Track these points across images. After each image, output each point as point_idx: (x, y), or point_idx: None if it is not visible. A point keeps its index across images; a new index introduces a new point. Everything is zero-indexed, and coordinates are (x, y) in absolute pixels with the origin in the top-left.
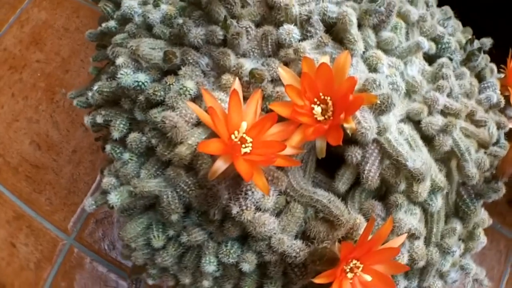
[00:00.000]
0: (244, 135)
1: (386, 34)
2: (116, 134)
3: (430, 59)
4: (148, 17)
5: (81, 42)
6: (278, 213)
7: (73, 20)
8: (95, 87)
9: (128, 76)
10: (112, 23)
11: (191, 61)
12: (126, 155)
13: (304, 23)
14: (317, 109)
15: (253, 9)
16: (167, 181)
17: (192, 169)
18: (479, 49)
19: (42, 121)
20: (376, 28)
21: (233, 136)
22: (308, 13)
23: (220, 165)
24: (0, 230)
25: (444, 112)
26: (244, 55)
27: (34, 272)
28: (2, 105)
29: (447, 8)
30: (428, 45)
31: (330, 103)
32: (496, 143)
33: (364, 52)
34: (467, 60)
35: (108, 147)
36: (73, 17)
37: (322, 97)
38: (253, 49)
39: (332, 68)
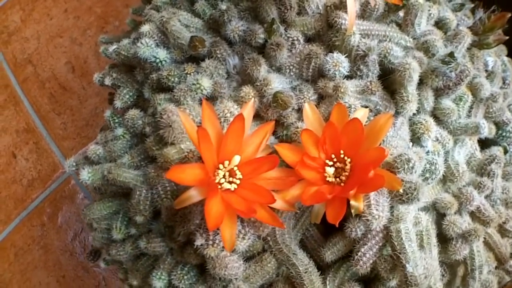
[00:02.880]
0: (236, 168)
1: (447, 103)
2: (118, 103)
3: (484, 141)
4: None
5: None
6: (249, 258)
7: None
8: (114, 46)
9: (148, 48)
10: None
11: (219, 55)
12: (120, 130)
13: (358, 59)
14: (329, 170)
15: (309, 20)
16: (146, 178)
17: None
18: None
19: (85, 46)
20: (439, 92)
21: (221, 167)
22: (366, 50)
23: (192, 196)
24: (6, 137)
25: (474, 215)
26: (279, 69)
27: (24, 189)
28: (51, 17)
29: None
30: (487, 131)
31: (348, 166)
32: None
33: (414, 114)
34: None
35: (107, 113)
36: None
37: (342, 156)
38: (292, 67)
39: (366, 127)
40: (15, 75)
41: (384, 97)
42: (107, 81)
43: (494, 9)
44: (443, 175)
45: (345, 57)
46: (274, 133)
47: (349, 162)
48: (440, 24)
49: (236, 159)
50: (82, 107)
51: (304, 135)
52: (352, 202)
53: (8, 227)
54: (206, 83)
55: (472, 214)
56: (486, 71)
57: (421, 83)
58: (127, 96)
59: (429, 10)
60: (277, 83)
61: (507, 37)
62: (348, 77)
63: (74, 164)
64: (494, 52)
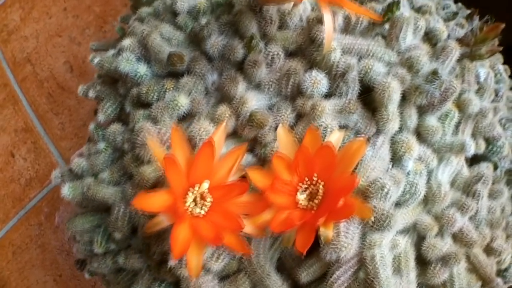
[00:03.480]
0: (206, 192)
1: (431, 121)
2: (101, 117)
3: (474, 156)
4: (176, 3)
5: None
6: (224, 277)
7: None
8: (96, 59)
9: (129, 63)
10: None
11: (198, 71)
12: (102, 144)
13: (338, 76)
14: (301, 195)
15: (290, 34)
16: (124, 195)
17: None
18: None
19: (84, 45)
20: (423, 109)
21: (191, 190)
22: (346, 67)
23: (162, 221)
24: (4, 136)
25: (456, 236)
26: (258, 86)
27: (22, 188)
28: (51, 15)
29: None
30: (473, 150)
31: (321, 190)
32: (505, 270)
33: (396, 132)
34: None
35: (91, 126)
36: None
37: (316, 179)
38: (271, 83)
39: (339, 152)
40: (14, 74)
41: (364, 115)
42: (91, 94)
43: (487, 19)
44: (424, 196)
45: (326, 74)
46: (252, 151)
47: (323, 186)
48: (430, 35)
49: (205, 184)
50: (79, 107)
51: (276, 160)
52: (321, 230)
53: (6, 226)
54: (183, 101)
55: (454, 236)
56: (478, 83)
57: (404, 99)
58: (110, 110)
59: (416, 23)
60: (255, 101)
61: (501, 48)
62: (328, 94)
63: (60, 176)
64: (489, 61)
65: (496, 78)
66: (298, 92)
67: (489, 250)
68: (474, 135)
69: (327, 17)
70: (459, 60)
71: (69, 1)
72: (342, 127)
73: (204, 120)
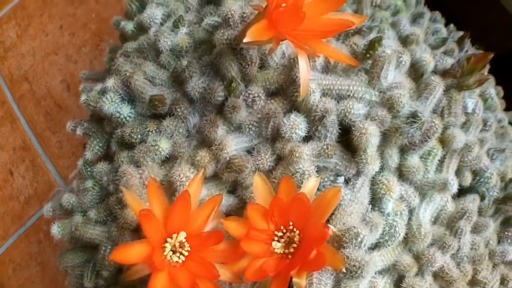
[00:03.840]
0: (184, 241)
1: (413, 160)
2: (88, 154)
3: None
4: (159, 41)
5: None
6: None
7: None
8: (83, 98)
9: (112, 104)
10: (130, 26)
11: (179, 114)
12: (90, 182)
13: (316, 120)
14: (277, 244)
15: (271, 74)
16: (110, 235)
17: (138, 232)
18: None
19: (80, 63)
20: (404, 148)
21: (169, 240)
22: (324, 111)
23: (141, 270)
24: (2, 154)
25: (437, 274)
26: (239, 128)
27: (21, 206)
28: (47, 33)
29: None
30: (456, 187)
31: (297, 237)
32: None
33: (377, 172)
34: (502, 202)
35: (80, 162)
36: None
37: (291, 227)
38: (252, 125)
39: (314, 200)
40: (12, 92)
41: (344, 157)
42: (79, 131)
43: (476, 49)
44: (405, 235)
45: (305, 116)
46: (233, 192)
47: (298, 234)
48: (416, 66)
49: (182, 235)
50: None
51: (250, 210)
52: (294, 280)
53: (6, 243)
54: (164, 145)
55: (435, 274)
56: (466, 114)
57: (385, 139)
58: (97, 147)
59: (400, 58)
60: (235, 144)
61: (490, 77)
62: (307, 137)
63: (51, 210)
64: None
65: (486, 104)
66: (278, 135)
67: (474, 282)
68: (460, 169)
69: (302, 64)
70: (447, 90)
71: (65, 18)
72: (322, 169)
73: (185, 165)
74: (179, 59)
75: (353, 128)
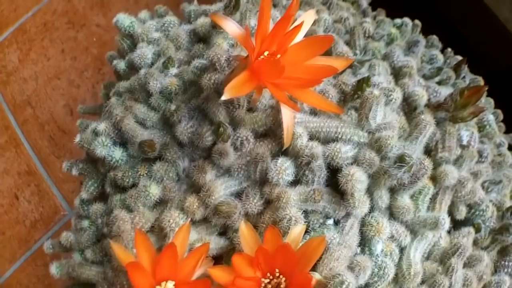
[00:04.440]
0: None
1: (403, 200)
2: (84, 195)
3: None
4: (148, 83)
5: None
6: None
7: None
8: (77, 139)
9: (104, 148)
10: (122, 65)
11: (169, 158)
12: (86, 222)
13: (303, 165)
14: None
15: (260, 117)
16: (106, 276)
17: None
18: None
19: (82, 88)
20: (394, 189)
21: None
22: (310, 157)
23: None
24: (8, 178)
25: None
26: (228, 171)
27: (28, 230)
28: (49, 57)
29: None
30: (447, 226)
31: (284, 284)
32: None
33: (367, 214)
34: (498, 232)
35: (76, 201)
36: None
37: (278, 274)
38: (240, 168)
39: (299, 249)
40: (15, 117)
41: (332, 200)
42: (74, 171)
43: (469, 83)
44: (395, 274)
45: (293, 159)
46: (224, 233)
47: (285, 281)
48: (409, 100)
49: (170, 283)
50: (81, 150)
51: (236, 260)
52: None
53: (13, 266)
54: (154, 190)
55: None
56: (461, 146)
57: (374, 181)
58: (92, 188)
59: (390, 95)
60: (223, 189)
61: (485, 108)
62: (295, 181)
63: (51, 246)
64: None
65: (484, 131)
66: (266, 178)
67: None
68: (454, 203)
69: (285, 112)
70: (440, 123)
71: (66, 42)
72: (311, 212)
73: (174, 210)
74: (169, 102)
75: (338, 174)
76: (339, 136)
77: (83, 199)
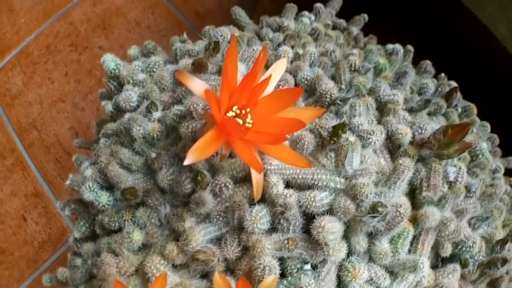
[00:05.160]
0: None
1: (381, 244)
2: (76, 234)
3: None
4: (132, 129)
5: None
6: None
7: (147, 16)
8: (68, 181)
9: (92, 193)
10: (109, 107)
11: (151, 204)
12: (79, 261)
13: (278, 214)
14: None
15: (238, 163)
16: None
17: None
18: (504, 261)
19: (87, 111)
20: (372, 234)
21: None
22: (284, 207)
23: None
24: (15, 200)
25: None
26: (208, 216)
27: (36, 251)
28: (53, 80)
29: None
30: (427, 268)
31: None
32: None
33: (345, 258)
34: (486, 266)
35: (71, 238)
36: (148, 12)
37: None
38: (219, 215)
39: None
40: (21, 139)
41: (309, 246)
42: (67, 211)
43: (461, 112)
44: None
45: (269, 207)
46: (207, 276)
47: None
48: (392, 138)
49: None
50: None
51: None
52: None
53: (22, 285)
54: (136, 237)
55: None
56: (448, 182)
57: (350, 227)
58: (84, 228)
59: (368, 139)
60: (202, 235)
61: (472, 144)
62: (270, 229)
63: (49, 280)
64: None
65: (476, 160)
66: (243, 226)
67: None
68: (438, 242)
69: (253, 173)
70: (423, 159)
71: (70, 65)
72: (288, 257)
73: (156, 256)
74: (152, 147)
75: (310, 226)
76: (315, 183)
77: (76, 237)
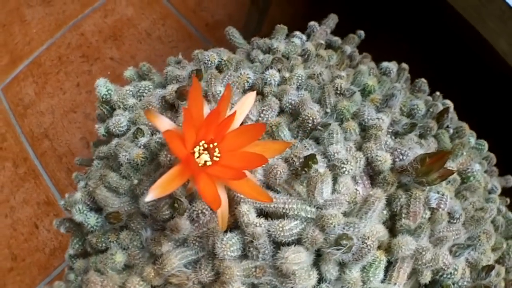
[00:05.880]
0: None
1: (351, 273)
2: (70, 251)
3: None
4: (118, 155)
5: (159, 53)
6: None
7: (157, 26)
8: (61, 201)
9: (81, 215)
10: (102, 131)
11: (134, 228)
12: (72, 276)
13: (247, 242)
14: None
15: None
16: None
17: None
18: None
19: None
20: (342, 263)
21: None
22: (252, 237)
23: None
24: (28, 208)
25: None
26: (185, 241)
27: (47, 257)
28: (65, 91)
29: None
30: None
31: None
32: None
33: (315, 285)
34: None
35: (67, 254)
36: (158, 23)
37: None
38: (196, 240)
39: None
40: (33, 149)
41: (278, 273)
42: (62, 229)
43: (453, 133)
44: None
45: (241, 235)
46: None
47: None
48: (372, 164)
49: None
50: None
51: None
52: None
53: None
54: (119, 258)
55: None
56: (431, 209)
57: (319, 256)
58: (77, 245)
59: (342, 168)
60: (178, 259)
61: (454, 171)
62: (242, 256)
63: None
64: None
65: (467, 183)
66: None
67: None
68: (416, 269)
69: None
70: (405, 184)
71: (81, 76)
72: (258, 284)
73: (136, 278)
74: (137, 172)
75: (275, 256)
76: (287, 212)
77: (70, 254)
